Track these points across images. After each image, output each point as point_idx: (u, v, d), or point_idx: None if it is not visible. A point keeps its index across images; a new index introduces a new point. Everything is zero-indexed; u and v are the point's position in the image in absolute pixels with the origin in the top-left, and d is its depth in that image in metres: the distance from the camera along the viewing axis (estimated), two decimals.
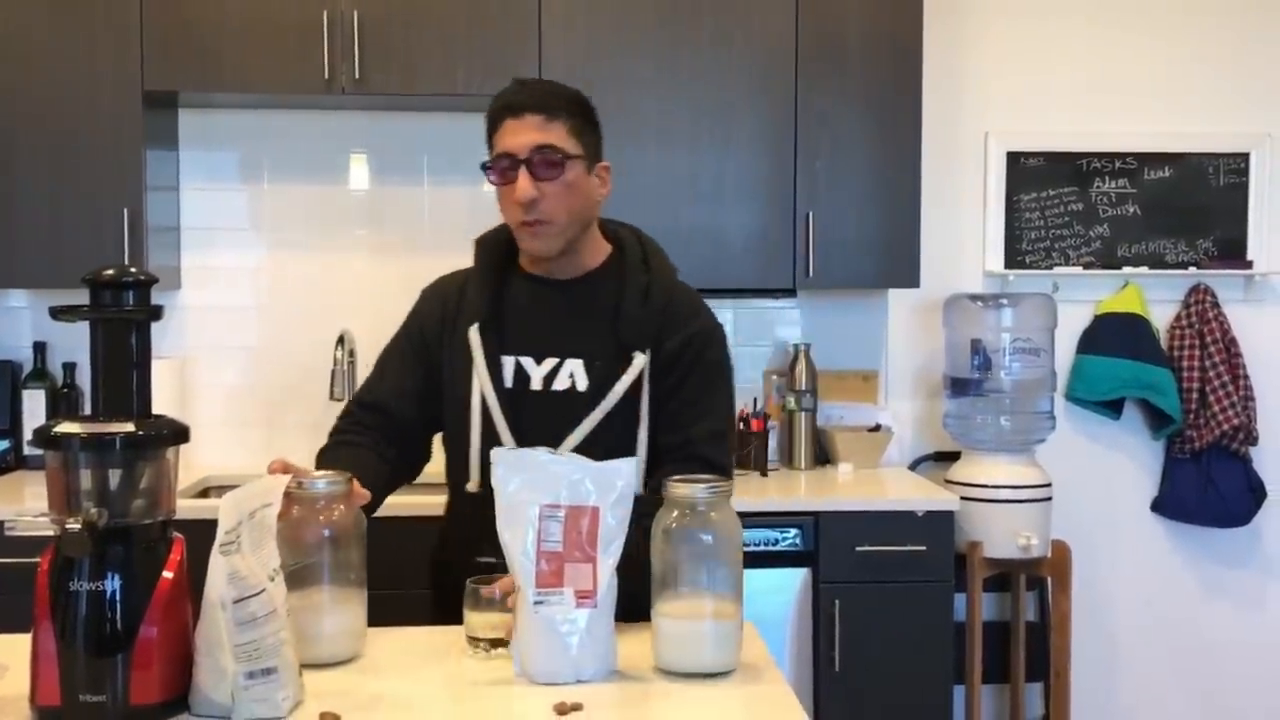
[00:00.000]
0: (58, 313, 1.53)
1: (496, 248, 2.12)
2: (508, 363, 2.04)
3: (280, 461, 1.76)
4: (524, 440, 1.98)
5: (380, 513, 2.74)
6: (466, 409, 2.03)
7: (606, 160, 2.08)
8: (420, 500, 2.86)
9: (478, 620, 1.77)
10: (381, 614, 1.85)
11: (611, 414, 1.99)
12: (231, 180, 3.76)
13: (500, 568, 1.93)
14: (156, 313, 1.55)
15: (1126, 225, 3.95)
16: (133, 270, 1.55)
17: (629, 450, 1.97)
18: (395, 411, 2.11)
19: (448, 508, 2.19)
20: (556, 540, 1.68)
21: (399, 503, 3.09)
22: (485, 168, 2.00)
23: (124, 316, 1.52)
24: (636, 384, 2.00)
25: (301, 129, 3.74)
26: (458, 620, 1.82)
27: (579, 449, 1.94)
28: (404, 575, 2.73)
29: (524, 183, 1.95)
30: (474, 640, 1.77)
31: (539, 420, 2.00)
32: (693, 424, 2.01)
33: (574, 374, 2.03)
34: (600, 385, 2.00)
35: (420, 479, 3.65)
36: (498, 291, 2.08)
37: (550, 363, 2.04)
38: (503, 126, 1.98)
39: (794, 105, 3.50)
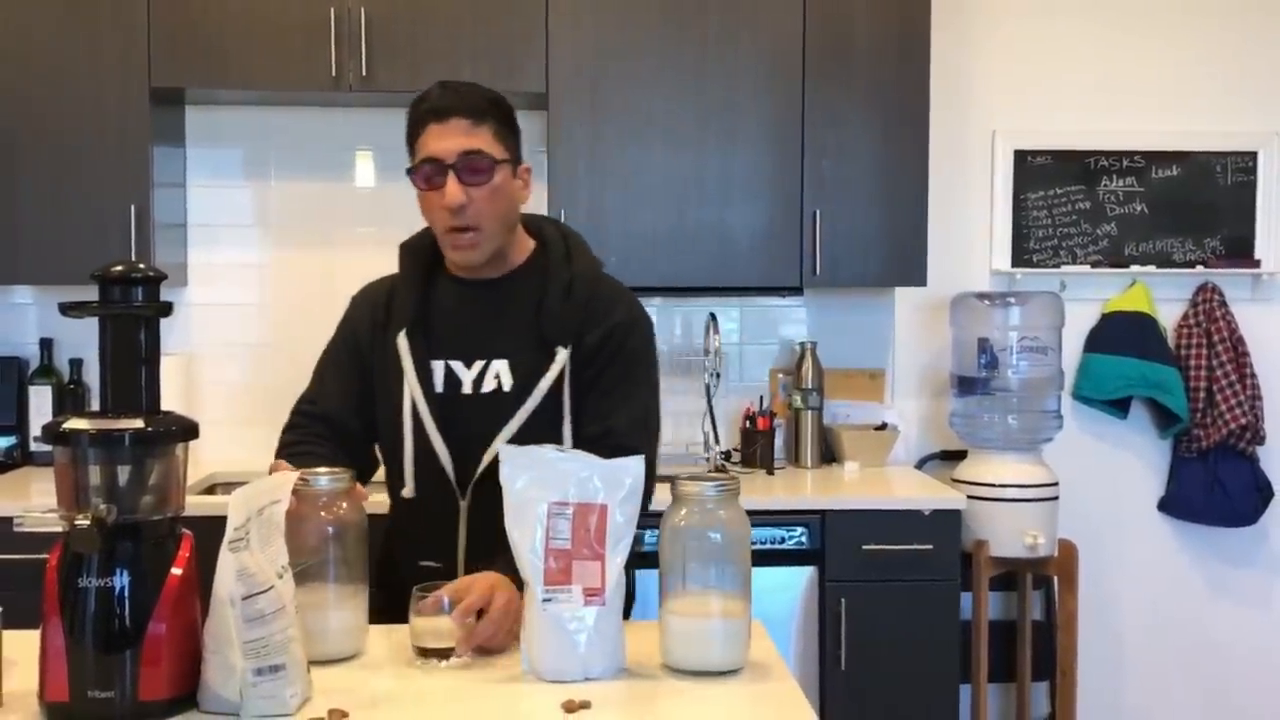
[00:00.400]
0: (67, 308, 1.52)
1: (422, 252, 2.10)
2: (438, 367, 2.03)
3: (281, 463, 1.76)
4: (454, 445, 1.99)
5: None
6: (399, 416, 2.02)
7: (528, 162, 2.07)
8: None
9: (425, 628, 1.72)
10: None
11: (537, 411, 1.98)
12: (237, 177, 3.76)
13: (442, 573, 1.94)
14: (165, 309, 1.55)
15: (1134, 224, 3.94)
16: (141, 266, 1.55)
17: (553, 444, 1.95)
18: (339, 421, 2.09)
19: (390, 510, 2.15)
20: (565, 538, 1.68)
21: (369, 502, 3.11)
22: (410, 172, 1.98)
23: (133, 312, 1.52)
24: (560, 379, 2.00)
25: (307, 126, 3.74)
26: (402, 620, 1.78)
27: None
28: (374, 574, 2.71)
29: (453, 188, 1.93)
30: (422, 651, 1.72)
31: (469, 423, 1.99)
32: (611, 414, 2.00)
33: (500, 374, 2.01)
34: (525, 383, 1.99)
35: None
36: (424, 296, 2.06)
37: (478, 365, 2.03)
38: (427, 131, 1.95)
39: (801, 104, 3.49)
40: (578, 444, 1.95)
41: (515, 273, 2.07)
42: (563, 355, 2.00)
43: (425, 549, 2.03)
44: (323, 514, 1.73)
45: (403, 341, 2.03)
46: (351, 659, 1.74)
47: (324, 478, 1.74)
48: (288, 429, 2.12)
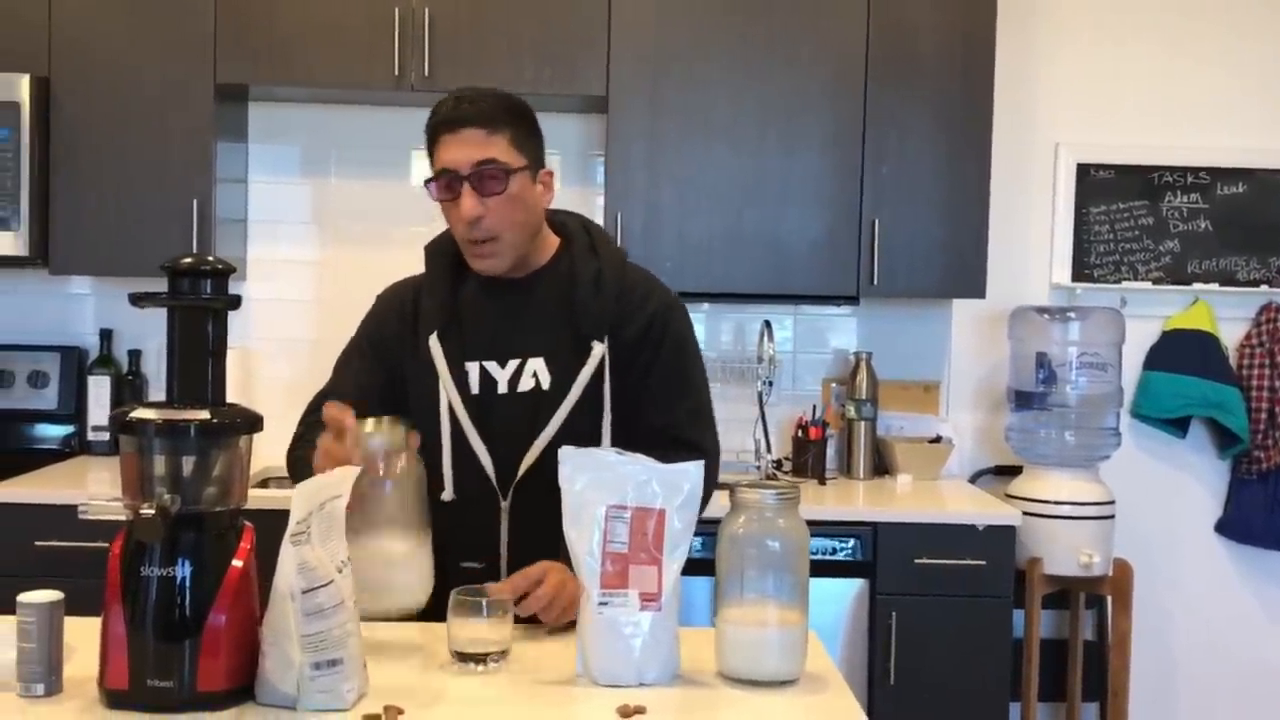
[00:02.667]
0: (138, 299, 1.54)
1: (447, 253, 2.08)
2: (472, 369, 2.02)
3: (336, 406, 1.75)
4: (493, 445, 1.98)
5: None
6: (436, 418, 2.01)
7: (550, 166, 2.05)
8: None
9: (463, 633, 1.70)
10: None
11: (576, 406, 1.97)
12: (297, 174, 3.78)
13: (485, 574, 1.94)
14: (234, 302, 1.56)
15: (1197, 241, 3.89)
16: (211, 259, 1.56)
17: (594, 441, 1.95)
18: (356, 413, 2.08)
19: None
20: (622, 541, 1.67)
21: None
22: (427, 183, 1.97)
23: (202, 305, 1.53)
24: (598, 373, 1.98)
25: (366, 125, 3.76)
26: (443, 620, 1.77)
27: (549, 445, 1.93)
28: None
29: (468, 200, 1.91)
30: (460, 655, 1.70)
31: (507, 422, 1.98)
32: (671, 406, 2.01)
33: (537, 373, 2.00)
34: (563, 380, 1.98)
35: None
36: (452, 297, 2.05)
37: (513, 364, 2.01)
38: (441, 141, 1.94)
39: (863, 110, 3.47)
40: (634, 439, 1.92)
41: (542, 270, 2.05)
42: (599, 349, 1.98)
43: (466, 550, 2.01)
44: (380, 471, 1.73)
45: (435, 344, 2.02)
46: (415, 618, 1.77)
47: (376, 438, 1.73)
48: (303, 421, 2.11)
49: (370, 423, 1.76)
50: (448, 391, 2.00)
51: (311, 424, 2.02)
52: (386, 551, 1.72)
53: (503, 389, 2.01)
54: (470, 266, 2.02)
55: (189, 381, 1.54)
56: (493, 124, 1.93)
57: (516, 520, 2.00)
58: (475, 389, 2.01)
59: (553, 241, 2.08)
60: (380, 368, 2.09)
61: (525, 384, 2.00)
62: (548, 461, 1.82)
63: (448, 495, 2.00)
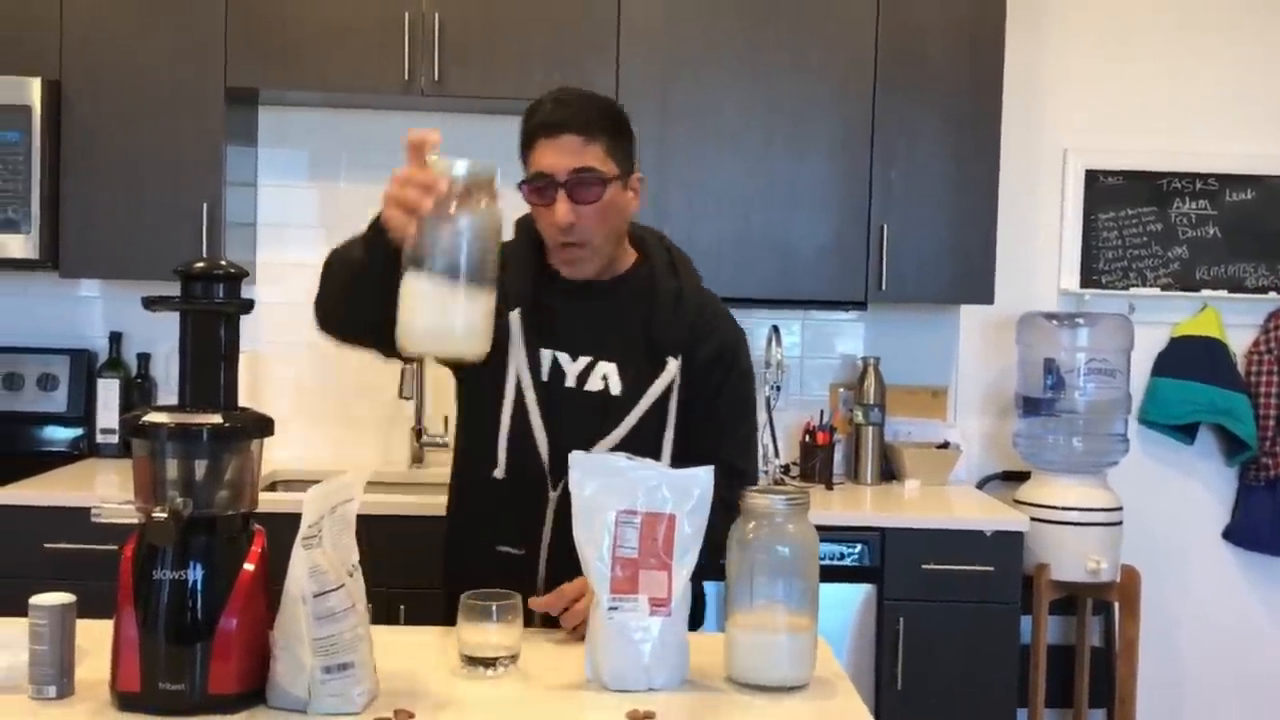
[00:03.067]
0: (150, 302, 1.54)
1: (537, 234, 2.06)
2: (545, 356, 2.02)
3: (418, 132, 1.67)
4: (554, 434, 1.98)
5: (387, 511, 2.87)
6: (500, 393, 2.00)
7: (641, 173, 2.05)
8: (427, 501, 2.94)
9: (474, 638, 1.70)
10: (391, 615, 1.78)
11: (644, 417, 1.99)
12: (306, 178, 3.79)
13: (523, 560, 1.96)
14: (246, 306, 1.56)
15: (1206, 247, 3.88)
16: (223, 263, 1.57)
17: (654, 453, 1.96)
18: None
19: (459, 495, 2.14)
20: (632, 546, 1.68)
21: (405, 503, 3.15)
22: (520, 184, 1.95)
23: (215, 309, 1.54)
24: (668, 389, 2.00)
25: (375, 129, 3.76)
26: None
27: (612, 449, 1.93)
28: (412, 574, 2.77)
29: (562, 207, 1.91)
30: (471, 659, 1.70)
31: (573, 419, 1.98)
32: (734, 431, 2.07)
33: (607, 376, 2.01)
34: (634, 389, 1.99)
35: (424, 480, 3.67)
36: (538, 280, 2.05)
37: (584, 361, 2.02)
38: (538, 145, 1.93)
39: (871, 115, 3.47)
40: (688, 457, 1.91)
41: (621, 279, 2.06)
42: (673, 366, 2.00)
43: (507, 534, 2.02)
44: (456, 205, 1.59)
45: (516, 319, 2.01)
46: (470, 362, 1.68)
47: (462, 164, 1.60)
48: None
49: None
50: (518, 368, 2.00)
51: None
52: (451, 293, 1.56)
53: (570, 383, 2.01)
54: (558, 270, 2.03)
55: (201, 385, 1.54)
56: (590, 131, 1.92)
57: (563, 513, 1.98)
58: (545, 376, 2.01)
59: (631, 253, 2.09)
60: None
61: (594, 384, 2.01)
62: None
63: (499, 473, 2.00)
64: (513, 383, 2.00)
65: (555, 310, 2.03)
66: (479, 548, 2.06)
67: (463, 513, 2.14)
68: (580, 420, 1.98)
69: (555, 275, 2.06)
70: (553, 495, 2.00)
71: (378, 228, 1.69)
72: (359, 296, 1.77)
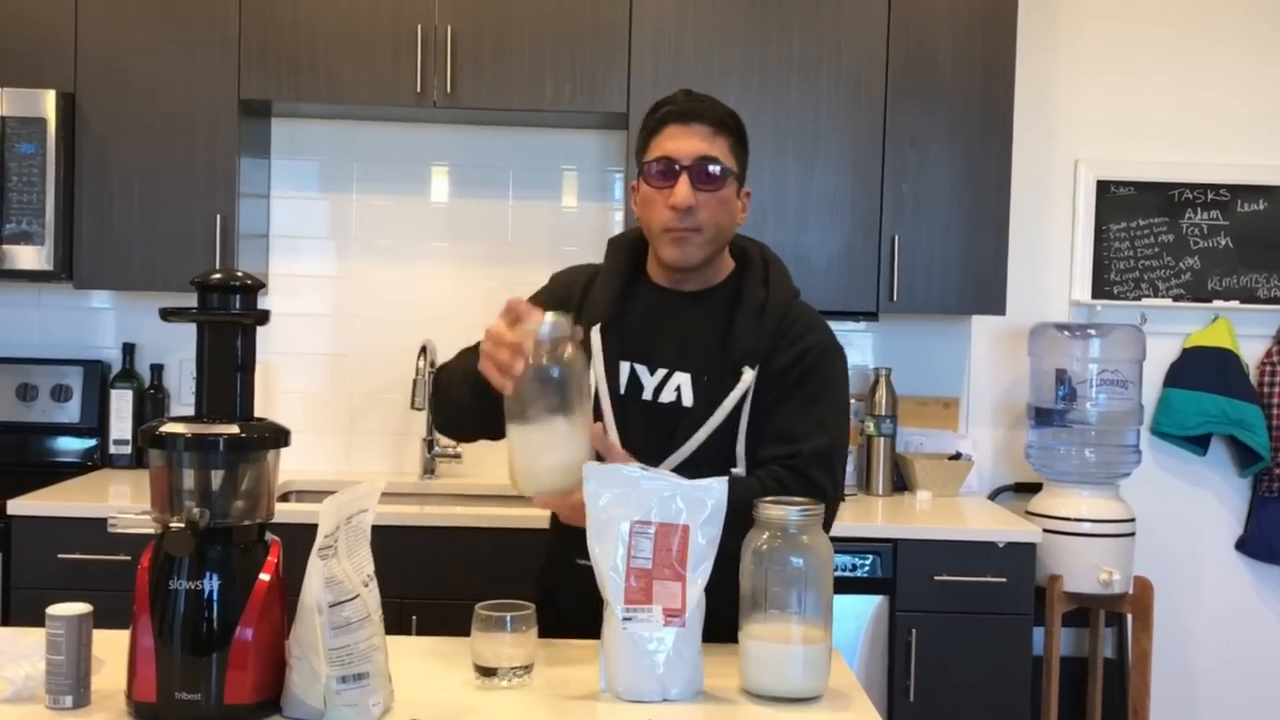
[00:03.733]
0: (168, 314, 1.55)
1: (630, 251, 2.11)
2: (624, 368, 2.03)
3: (519, 304, 1.79)
4: (628, 447, 1.96)
5: (398, 522, 2.89)
6: None
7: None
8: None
9: (488, 648, 1.71)
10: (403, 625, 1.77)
11: (716, 430, 1.97)
12: (319, 189, 3.81)
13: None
14: (263, 317, 1.57)
15: (1217, 258, 3.88)
16: (240, 274, 1.57)
17: (729, 463, 1.96)
18: None
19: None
20: (646, 557, 1.68)
21: (416, 513, 3.15)
22: (641, 169, 2.00)
23: (232, 320, 1.54)
24: (742, 399, 1.98)
25: (386, 141, 3.78)
26: (566, 627, 1.82)
27: (683, 462, 1.94)
28: (423, 585, 2.77)
29: (684, 189, 1.94)
30: (485, 670, 1.70)
31: (646, 430, 1.99)
32: (799, 438, 1.96)
33: (680, 387, 2.01)
34: (708, 402, 1.98)
35: (435, 491, 3.69)
36: (623, 295, 2.07)
37: (661, 373, 2.03)
38: (666, 131, 1.98)
39: (882, 126, 3.48)
40: (756, 463, 1.95)
41: (714, 289, 2.06)
42: (749, 376, 1.98)
43: (581, 547, 2.02)
44: (545, 359, 1.73)
45: (596, 335, 2.03)
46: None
47: (546, 324, 1.73)
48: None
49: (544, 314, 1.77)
50: (597, 382, 2.01)
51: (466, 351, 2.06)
52: (556, 435, 1.75)
53: (647, 395, 2.02)
54: (660, 257, 2.03)
55: (218, 396, 1.55)
56: (720, 125, 1.98)
57: None
58: (623, 389, 2.03)
59: (729, 264, 2.10)
60: None
61: (667, 396, 2.01)
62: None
63: None
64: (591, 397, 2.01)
65: (639, 322, 2.05)
66: (562, 562, 2.06)
67: (553, 527, 2.14)
68: (652, 433, 1.98)
69: (644, 288, 2.08)
70: None
71: (478, 374, 1.82)
72: (472, 421, 2.01)
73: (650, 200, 1.99)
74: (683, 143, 1.95)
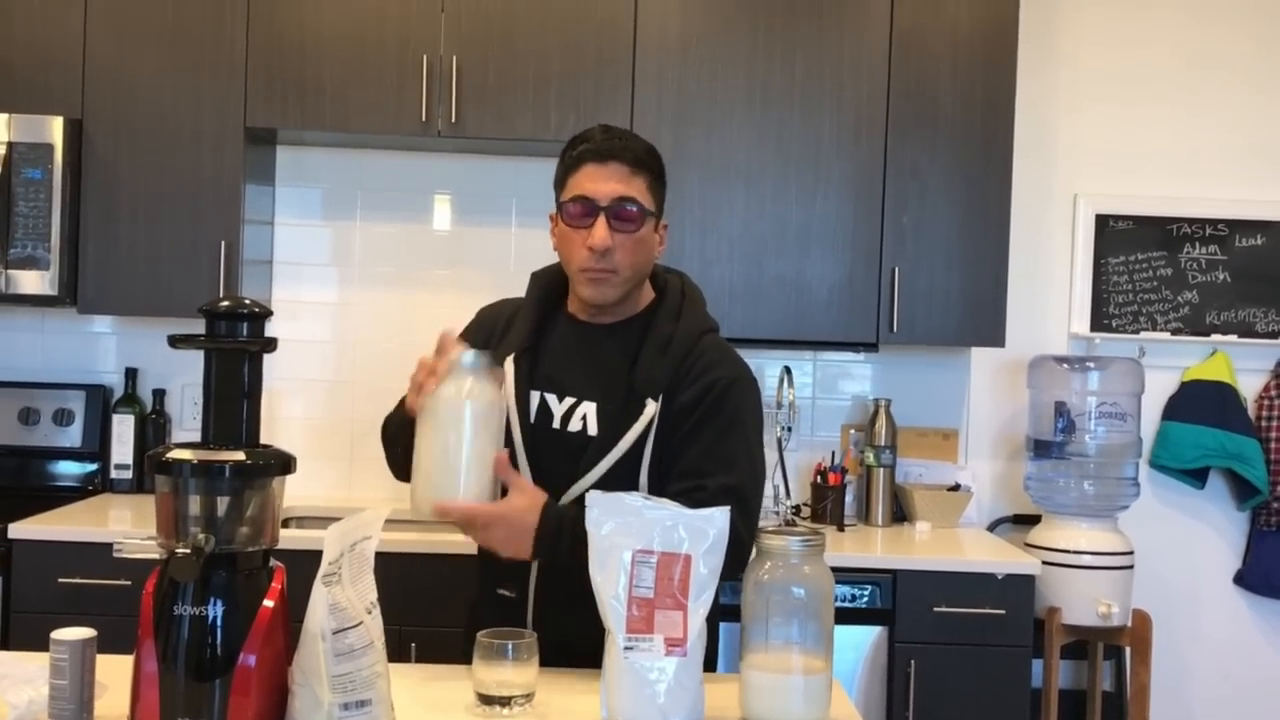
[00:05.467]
0: (176, 340, 1.56)
1: (549, 285, 2.13)
2: (534, 397, 2.05)
3: (445, 335, 1.85)
4: (537, 475, 2.00)
5: (398, 549, 2.91)
6: None
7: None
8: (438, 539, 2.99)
9: (489, 676, 1.71)
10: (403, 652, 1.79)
11: (619, 461, 1.98)
12: (323, 216, 3.83)
13: (516, 603, 1.98)
14: (270, 344, 1.58)
15: (1216, 292, 3.90)
16: (248, 302, 1.58)
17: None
18: None
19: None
20: (648, 586, 1.68)
21: (416, 540, 3.15)
22: (559, 208, 2.01)
23: (239, 347, 1.55)
24: (646, 431, 1.99)
25: (391, 169, 3.81)
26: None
27: (585, 491, 1.92)
28: (424, 612, 2.76)
29: (601, 231, 1.95)
30: (486, 698, 1.71)
31: (555, 458, 2.00)
32: (705, 474, 1.93)
33: (586, 416, 2.02)
34: (613, 431, 1.99)
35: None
36: (540, 327, 2.10)
37: (569, 401, 2.04)
38: (584, 169, 1.98)
39: (883, 158, 3.50)
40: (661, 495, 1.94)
41: (629, 322, 2.08)
42: (651, 408, 1.98)
43: (499, 576, 2.03)
44: (454, 387, 1.80)
45: (509, 366, 2.05)
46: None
47: (467, 355, 1.80)
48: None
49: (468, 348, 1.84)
50: (510, 412, 2.01)
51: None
52: (456, 464, 1.80)
53: (556, 424, 2.03)
54: (578, 295, 2.05)
55: (224, 422, 1.56)
56: (638, 164, 1.99)
57: None
58: (533, 417, 2.04)
59: (648, 296, 2.11)
60: None
61: (574, 425, 2.03)
62: (581, 505, 1.84)
63: None
64: None
65: (553, 355, 2.07)
66: (483, 590, 2.10)
67: (479, 558, 2.15)
68: (557, 459, 1.99)
69: (562, 320, 2.10)
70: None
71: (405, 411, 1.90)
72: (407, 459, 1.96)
73: (568, 238, 2.00)
74: (600, 183, 1.96)
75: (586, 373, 2.05)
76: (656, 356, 2.01)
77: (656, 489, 1.99)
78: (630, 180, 1.97)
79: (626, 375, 2.01)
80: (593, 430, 2.01)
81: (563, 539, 1.85)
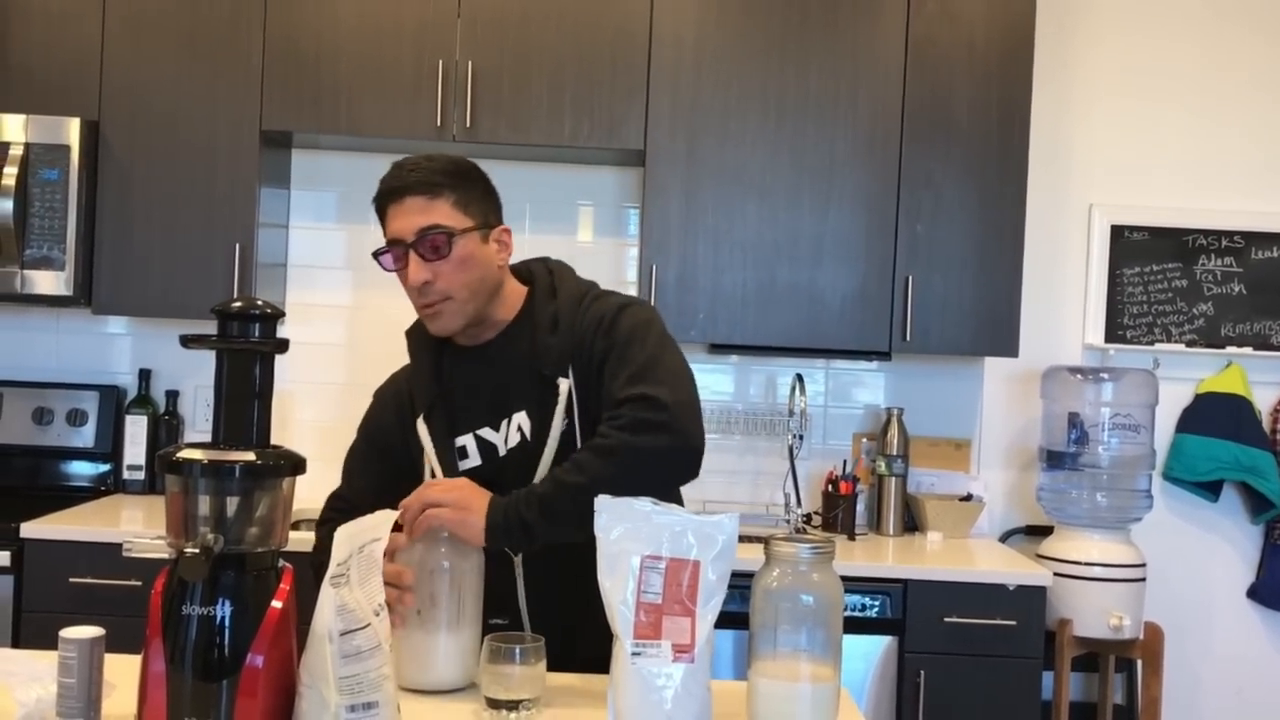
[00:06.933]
0: (188, 340, 1.56)
1: (426, 334, 2.07)
2: (466, 441, 2.02)
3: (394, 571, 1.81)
4: None
5: None
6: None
7: (507, 223, 2.05)
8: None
9: (497, 680, 1.71)
10: None
11: (560, 449, 1.95)
12: (337, 220, 3.84)
13: (510, 629, 1.95)
14: (282, 345, 1.58)
15: (1231, 304, 3.88)
16: (260, 303, 1.58)
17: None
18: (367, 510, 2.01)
19: None
20: (656, 592, 1.67)
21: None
22: (378, 255, 1.98)
23: (251, 348, 1.56)
24: (569, 407, 1.97)
25: None
26: None
27: None
28: None
29: (414, 267, 1.92)
30: (493, 702, 1.72)
31: (511, 482, 1.92)
32: (622, 393, 1.89)
33: (521, 426, 2.00)
34: (542, 427, 1.97)
35: None
36: (436, 376, 2.06)
37: (504, 425, 2.01)
38: (387, 213, 1.96)
39: (898, 168, 3.50)
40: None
41: (511, 326, 2.04)
42: (565, 384, 1.97)
43: (490, 607, 2.02)
44: (440, 549, 1.84)
45: (421, 426, 2.03)
46: (455, 692, 1.81)
47: (414, 551, 1.84)
48: (321, 523, 2.12)
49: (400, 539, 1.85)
50: (432, 468, 2.01)
51: (326, 520, 2.09)
52: (436, 629, 1.84)
53: (503, 451, 2.01)
54: (430, 332, 2.02)
55: (235, 423, 1.56)
56: (434, 189, 1.93)
57: (532, 571, 2.00)
58: (477, 459, 2.01)
59: (519, 293, 2.07)
60: (380, 464, 2.11)
61: (514, 440, 2.01)
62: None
63: None
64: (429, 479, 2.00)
65: (465, 392, 2.03)
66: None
67: None
68: (515, 481, 1.94)
69: (454, 358, 2.06)
70: (517, 560, 1.99)
71: None
72: None
73: (401, 281, 1.98)
74: (400, 221, 1.93)
75: (503, 390, 2.02)
76: (549, 337, 1.99)
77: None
78: (430, 207, 1.92)
79: (531, 371, 1.99)
80: (528, 434, 1.99)
81: (518, 501, 1.84)
